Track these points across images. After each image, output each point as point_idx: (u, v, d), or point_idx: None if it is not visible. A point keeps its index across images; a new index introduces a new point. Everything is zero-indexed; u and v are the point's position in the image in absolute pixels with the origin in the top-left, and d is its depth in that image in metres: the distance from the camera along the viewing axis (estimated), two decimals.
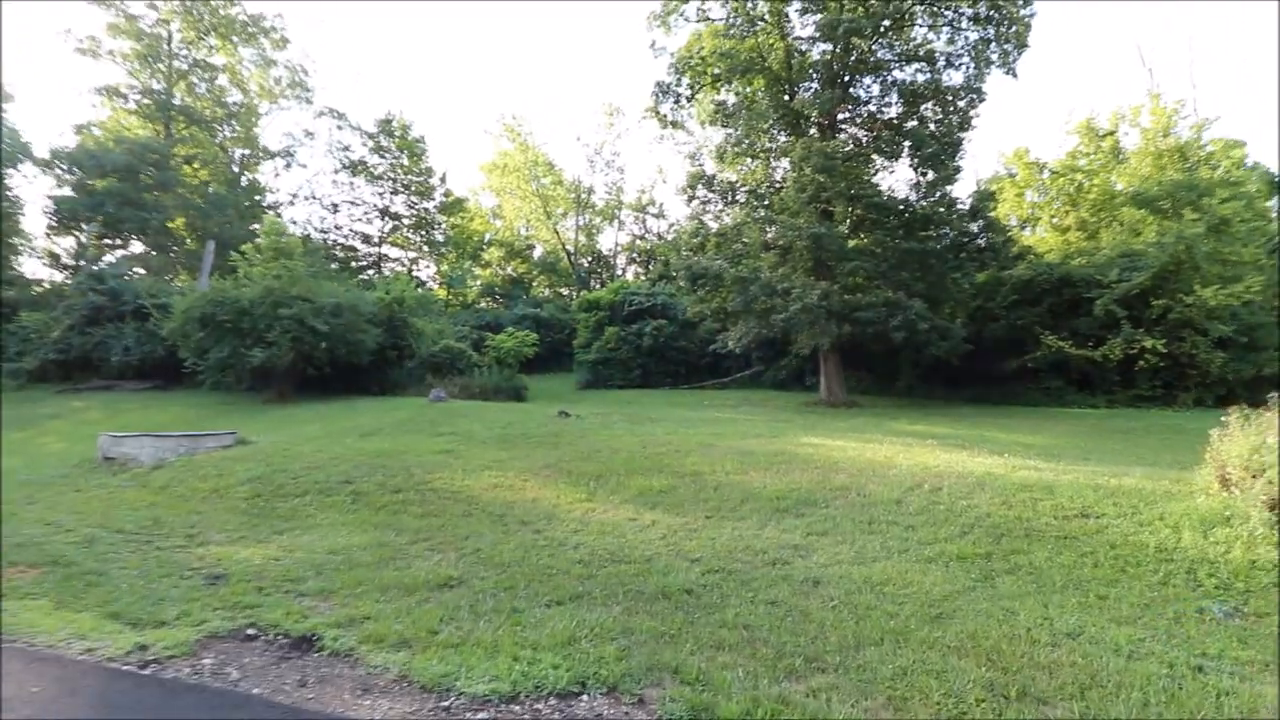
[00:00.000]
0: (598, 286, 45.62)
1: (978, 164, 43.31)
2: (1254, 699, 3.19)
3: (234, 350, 20.76)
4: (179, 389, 24.94)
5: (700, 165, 25.76)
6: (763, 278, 21.69)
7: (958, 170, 22.34)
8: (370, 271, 44.24)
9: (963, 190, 23.74)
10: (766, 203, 24.01)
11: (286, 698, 3.41)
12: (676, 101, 25.23)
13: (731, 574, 5.09)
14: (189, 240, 38.18)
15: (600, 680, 3.37)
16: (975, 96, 22.31)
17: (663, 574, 5.04)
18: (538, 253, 51.71)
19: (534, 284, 50.43)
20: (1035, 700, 3.15)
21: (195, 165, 40.59)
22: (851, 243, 22.96)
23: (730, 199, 25.28)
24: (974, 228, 22.88)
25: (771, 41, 22.90)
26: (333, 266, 38.81)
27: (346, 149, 44.99)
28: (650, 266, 47.22)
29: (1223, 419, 7.34)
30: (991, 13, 21.39)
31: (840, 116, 23.81)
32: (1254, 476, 6.32)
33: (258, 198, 42.40)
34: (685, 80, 24.71)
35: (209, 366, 21.73)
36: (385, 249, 47.17)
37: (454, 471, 9.16)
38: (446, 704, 3.26)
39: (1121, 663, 3.64)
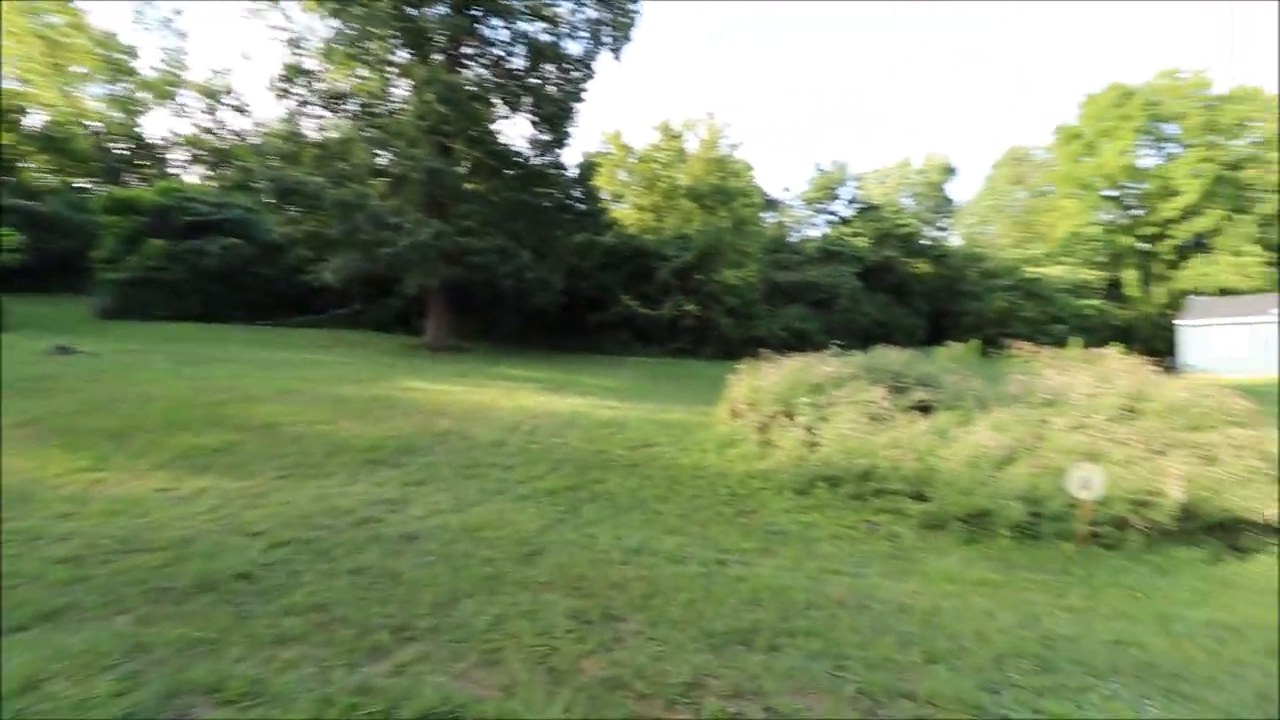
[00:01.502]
0: (138, 183, 34.40)
1: (583, 137, 47.42)
2: (756, 580, 4.16)
3: None
4: None
5: (301, 58, 21.37)
6: (370, 206, 19.58)
7: (569, 135, 24.01)
8: None
9: (570, 159, 25.77)
10: (381, 123, 21.55)
11: None
12: None
13: (307, 544, 4.28)
14: None
15: None
16: (588, 71, 24.11)
17: (206, 559, 3.89)
18: (35, 121, 35.70)
19: (26, 165, 34.86)
20: (613, 619, 3.45)
21: None
22: (469, 185, 22.57)
23: (337, 108, 21.84)
24: (578, 193, 25.08)
25: None
26: None
27: None
28: (223, 170, 37.90)
29: (734, 367, 9.64)
30: None
31: (467, 51, 22.85)
32: (751, 409, 8.49)
33: None
34: None
35: None
36: None
37: None
38: None
39: (673, 568, 4.32)
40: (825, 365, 8.50)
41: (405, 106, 21.38)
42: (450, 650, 3.04)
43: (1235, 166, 42.31)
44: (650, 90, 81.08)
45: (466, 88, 20.94)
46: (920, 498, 6.34)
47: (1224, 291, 38.85)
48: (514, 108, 23.09)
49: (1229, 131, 43.06)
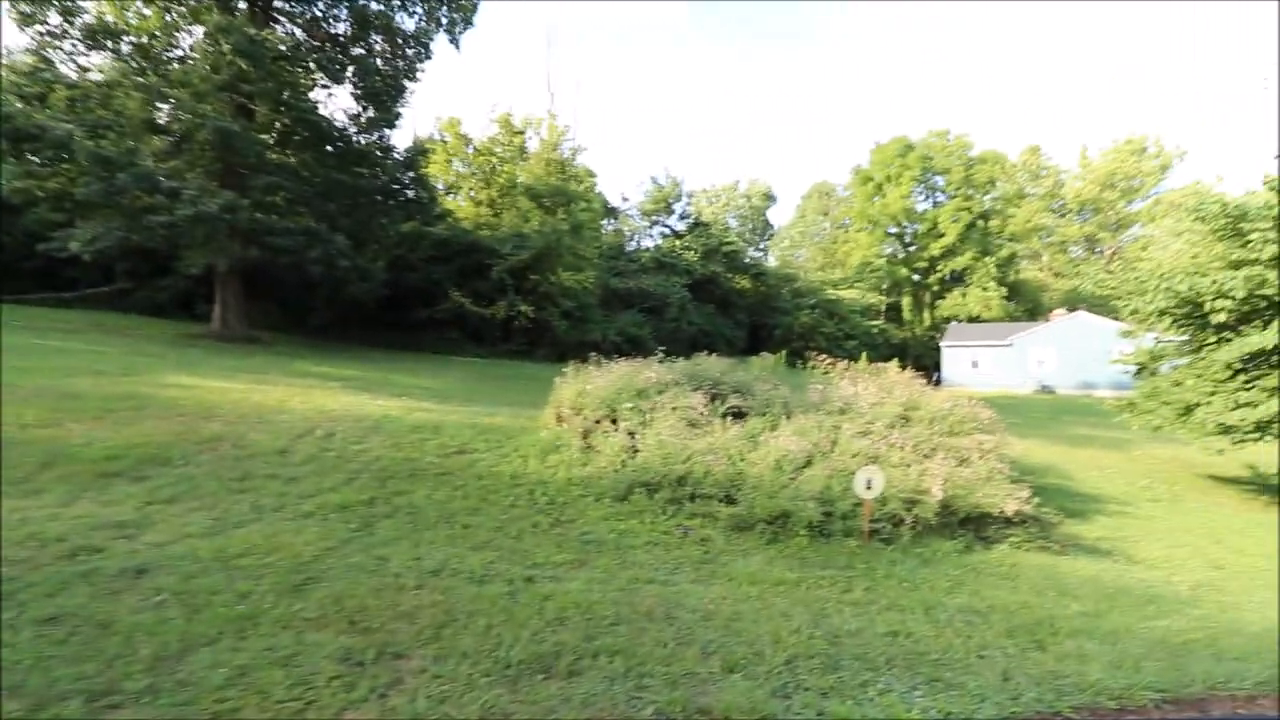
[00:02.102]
0: None
1: (418, 121, 44.60)
2: (564, 596, 3.92)
3: None
4: None
5: None
6: (141, 165, 16.42)
7: (399, 116, 22.23)
8: None
9: (400, 141, 23.88)
10: (163, 70, 18.19)
11: None
12: None
13: None
14: None
15: None
16: (423, 50, 22.52)
17: None
18: None
19: None
20: (393, 658, 2.99)
21: None
22: (275, 156, 19.91)
23: (103, 44, 18.01)
24: (406, 178, 23.30)
25: None
26: None
27: None
28: None
29: (563, 370, 9.42)
30: None
31: (280, 5, 20.23)
32: (576, 413, 8.31)
33: None
34: None
35: None
36: None
37: None
38: None
39: (474, 590, 3.94)
40: (650, 371, 8.59)
41: (194, 55, 18.34)
42: (169, 716, 2.40)
43: (984, 216, 51.46)
44: (488, 92, 78.88)
45: (276, 45, 18.44)
46: (730, 501, 6.59)
47: (974, 319, 46.97)
48: (335, 78, 20.88)
49: (981, 187, 52.32)
